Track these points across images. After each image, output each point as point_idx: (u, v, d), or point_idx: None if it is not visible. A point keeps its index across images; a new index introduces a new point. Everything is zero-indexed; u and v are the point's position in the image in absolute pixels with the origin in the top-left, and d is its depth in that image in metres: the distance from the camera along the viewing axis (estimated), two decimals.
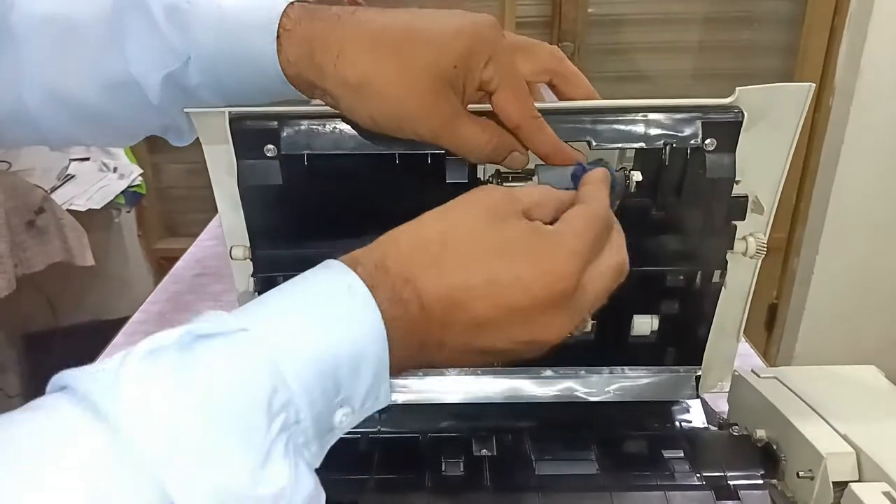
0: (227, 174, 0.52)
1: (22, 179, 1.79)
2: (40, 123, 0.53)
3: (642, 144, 0.51)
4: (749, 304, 0.60)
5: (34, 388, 0.32)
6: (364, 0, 0.76)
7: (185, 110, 0.50)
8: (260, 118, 0.50)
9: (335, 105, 0.47)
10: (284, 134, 0.50)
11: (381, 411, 0.38)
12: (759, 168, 0.53)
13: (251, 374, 0.31)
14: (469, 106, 0.47)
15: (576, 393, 0.63)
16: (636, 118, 0.51)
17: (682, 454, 0.56)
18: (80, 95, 0.51)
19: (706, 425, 0.61)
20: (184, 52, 0.48)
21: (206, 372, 0.31)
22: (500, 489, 0.53)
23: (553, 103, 0.53)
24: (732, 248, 0.56)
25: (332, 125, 0.50)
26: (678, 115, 0.51)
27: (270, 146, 0.50)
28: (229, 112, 0.49)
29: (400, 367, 0.37)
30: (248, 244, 0.54)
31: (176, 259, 1.16)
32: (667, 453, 0.56)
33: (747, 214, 0.55)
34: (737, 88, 0.50)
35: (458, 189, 0.42)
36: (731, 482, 0.53)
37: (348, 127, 0.49)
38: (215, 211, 0.55)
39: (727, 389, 0.63)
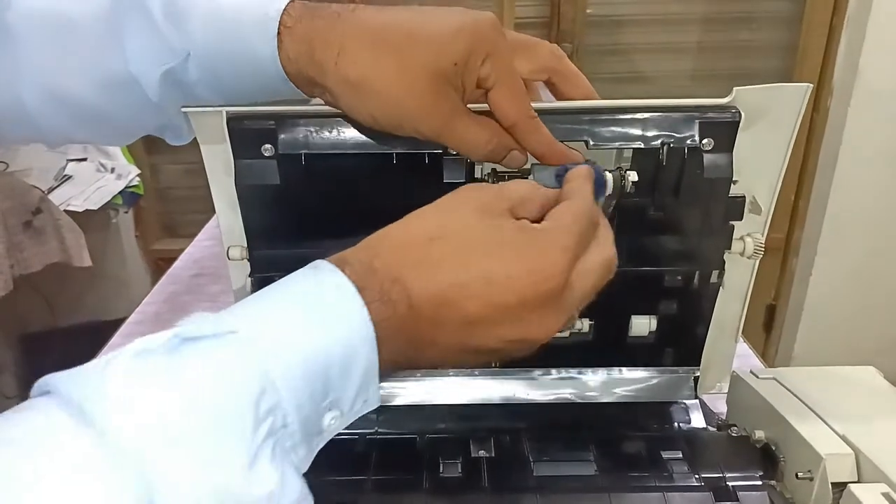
0: (224, 174, 0.52)
1: (19, 180, 1.79)
2: (38, 122, 0.53)
3: (640, 144, 0.51)
4: (747, 305, 0.60)
5: (32, 389, 0.32)
6: None
7: (183, 109, 0.50)
8: (257, 118, 0.50)
9: (335, 103, 0.47)
10: (282, 134, 0.50)
11: (378, 412, 0.38)
12: (757, 168, 0.53)
13: (238, 377, 0.31)
14: (470, 105, 0.47)
15: (574, 394, 0.63)
16: (633, 118, 0.50)
17: (681, 455, 0.56)
18: (78, 94, 0.51)
19: (705, 426, 0.61)
20: (182, 49, 0.48)
21: (193, 375, 0.31)
22: (499, 490, 0.53)
23: (550, 103, 0.53)
24: (730, 249, 0.56)
25: (330, 125, 0.50)
26: (675, 115, 0.51)
27: (268, 146, 0.50)
28: (227, 112, 0.49)
29: (390, 367, 0.37)
30: (246, 244, 0.54)
31: (174, 259, 1.15)
32: (665, 454, 0.56)
33: (745, 215, 0.55)
34: (734, 88, 0.50)
35: (455, 188, 0.42)
36: (729, 483, 0.53)
37: (346, 127, 0.49)
38: (213, 211, 0.55)
39: (726, 390, 0.63)
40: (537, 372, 0.63)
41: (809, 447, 0.50)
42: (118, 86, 0.50)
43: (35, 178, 1.90)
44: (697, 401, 0.63)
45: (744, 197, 0.54)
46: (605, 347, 0.62)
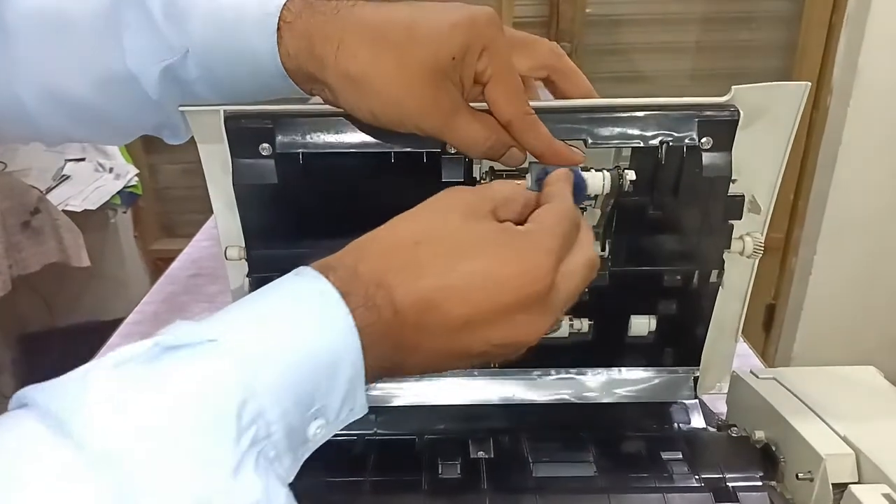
0: (222, 173, 0.52)
1: (17, 180, 1.78)
2: (37, 120, 0.53)
3: (639, 143, 0.50)
4: (747, 304, 0.60)
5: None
6: None
7: (181, 108, 0.50)
8: (255, 117, 0.50)
9: (334, 100, 0.47)
10: (280, 133, 0.49)
11: (377, 413, 0.37)
12: (756, 167, 0.53)
13: (220, 386, 0.31)
14: (472, 104, 0.47)
15: (573, 394, 0.62)
16: (632, 117, 0.50)
17: (681, 456, 0.56)
18: (77, 91, 0.51)
19: (705, 426, 0.61)
20: (181, 46, 0.48)
21: (174, 384, 0.30)
22: (498, 491, 0.53)
23: (549, 102, 0.52)
24: (729, 248, 0.56)
25: (328, 124, 0.49)
26: (674, 114, 0.50)
27: (266, 145, 0.50)
28: (224, 111, 0.49)
29: (375, 374, 0.36)
30: (244, 244, 0.54)
31: (172, 259, 1.15)
32: (665, 455, 0.56)
33: (744, 214, 0.54)
34: (733, 87, 0.50)
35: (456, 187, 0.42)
36: (729, 484, 0.53)
37: (344, 126, 0.49)
38: (211, 211, 0.54)
39: (726, 390, 0.63)
40: (537, 372, 0.62)
41: (810, 448, 0.50)
42: (116, 83, 0.50)
43: (33, 178, 1.89)
44: (697, 401, 0.62)
45: (743, 196, 0.54)
46: (605, 347, 0.61)
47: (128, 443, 0.28)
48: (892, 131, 1.81)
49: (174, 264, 1.13)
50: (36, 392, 0.30)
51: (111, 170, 2.06)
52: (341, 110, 0.48)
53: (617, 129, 0.50)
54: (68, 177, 1.98)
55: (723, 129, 0.50)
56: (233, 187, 0.51)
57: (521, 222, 0.41)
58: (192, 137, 0.52)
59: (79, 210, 1.89)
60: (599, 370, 0.63)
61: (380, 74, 0.44)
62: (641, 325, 0.60)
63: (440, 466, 0.55)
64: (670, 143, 0.50)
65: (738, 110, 0.50)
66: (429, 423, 0.60)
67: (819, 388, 0.56)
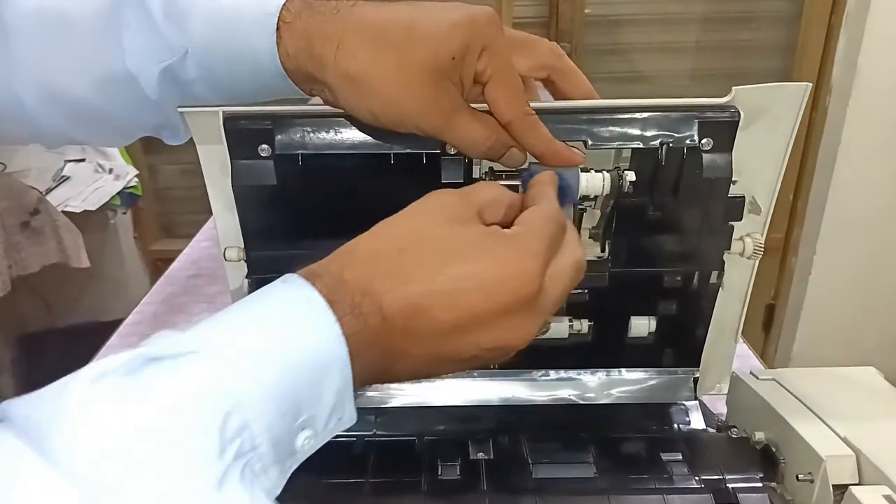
0: (221, 174, 0.52)
1: (17, 180, 1.78)
2: (36, 120, 0.52)
3: (639, 144, 0.50)
4: (747, 305, 0.60)
5: (29, 389, 0.31)
6: None
7: (180, 109, 0.50)
8: (254, 118, 0.50)
9: (334, 100, 0.47)
10: (279, 134, 0.49)
11: (376, 414, 0.37)
12: (756, 168, 0.53)
13: (202, 398, 0.30)
14: (474, 106, 0.47)
15: (573, 395, 0.62)
16: (632, 118, 0.50)
17: (681, 457, 0.56)
18: (76, 91, 0.50)
19: (705, 427, 0.61)
20: (181, 46, 0.48)
21: (155, 398, 0.30)
22: (497, 492, 0.53)
23: (549, 102, 0.52)
24: (729, 249, 0.56)
25: (328, 125, 0.49)
26: (674, 115, 0.50)
27: (265, 146, 0.49)
28: (223, 111, 0.49)
29: (364, 381, 0.36)
30: (243, 245, 0.54)
31: (172, 260, 1.15)
32: (665, 456, 0.56)
33: (744, 215, 0.54)
34: (733, 88, 0.50)
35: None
36: (729, 485, 0.53)
37: (343, 127, 0.49)
38: (211, 212, 0.54)
39: (726, 391, 0.63)
40: (536, 373, 0.62)
41: (810, 449, 0.50)
42: (116, 83, 0.50)
43: (33, 178, 1.89)
44: (697, 402, 0.62)
45: (743, 197, 0.54)
46: (605, 348, 0.61)
47: (106, 459, 0.28)
48: (891, 131, 1.81)
49: (174, 265, 1.13)
50: (13, 407, 0.29)
51: (111, 170, 2.06)
52: (341, 111, 0.48)
53: (617, 130, 0.50)
54: (68, 177, 1.98)
55: (723, 130, 0.50)
56: (232, 188, 0.51)
57: (506, 224, 0.41)
58: (192, 138, 0.52)
59: (78, 211, 1.89)
60: (599, 371, 0.63)
61: (379, 74, 0.44)
62: (641, 325, 0.60)
63: (440, 467, 0.55)
64: (670, 144, 0.50)
65: (738, 111, 0.50)
66: (428, 424, 0.60)
67: (819, 389, 0.56)
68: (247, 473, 0.30)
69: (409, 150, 0.49)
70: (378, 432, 0.59)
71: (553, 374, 0.63)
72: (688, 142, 0.50)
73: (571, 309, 0.59)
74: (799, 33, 2.02)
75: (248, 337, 0.33)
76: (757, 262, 0.57)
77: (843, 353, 2.02)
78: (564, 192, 0.47)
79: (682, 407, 0.62)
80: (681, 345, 0.61)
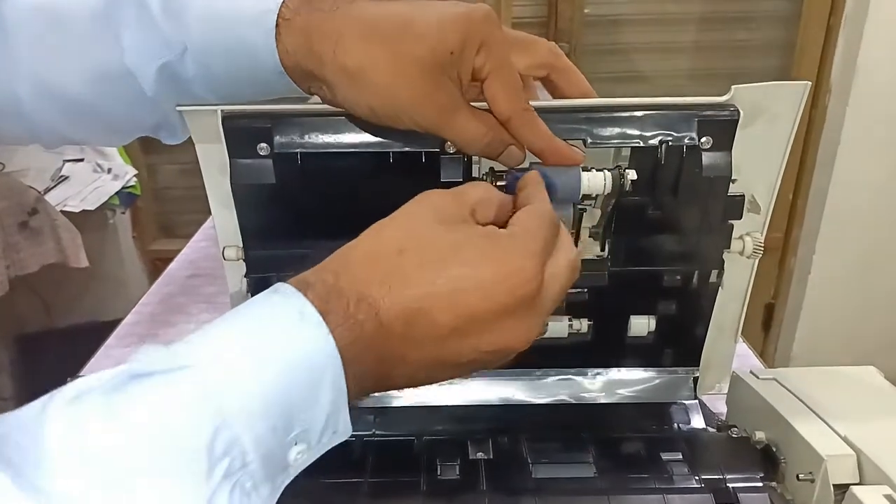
0: (219, 173, 0.51)
1: (15, 180, 1.78)
2: (33, 118, 0.52)
3: (638, 143, 0.50)
4: (747, 305, 0.60)
5: (28, 389, 0.31)
6: None
7: (178, 108, 0.49)
8: (253, 117, 0.49)
9: (332, 97, 0.46)
10: (278, 133, 0.49)
11: (375, 414, 0.37)
12: (756, 167, 0.53)
13: (189, 416, 0.29)
14: (474, 104, 0.47)
15: (572, 395, 0.62)
16: (632, 116, 0.50)
17: (681, 456, 0.56)
18: (73, 88, 0.50)
19: (705, 427, 0.61)
20: (179, 43, 0.48)
21: (140, 415, 0.29)
22: (497, 492, 0.53)
23: (548, 101, 0.52)
24: (729, 248, 0.56)
25: (327, 124, 0.49)
26: (674, 114, 0.50)
27: (263, 145, 0.49)
28: (222, 110, 0.49)
29: (360, 391, 0.35)
30: (241, 244, 0.54)
31: (171, 260, 1.15)
32: (665, 455, 0.56)
33: (744, 214, 0.54)
34: (732, 86, 0.50)
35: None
36: (730, 485, 0.53)
37: (343, 126, 0.49)
38: (210, 212, 0.54)
39: (726, 391, 0.63)
40: (536, 373, 0.62)
41: (811, 448, 0.50)
42: (113, 81, 0.50)
43: (31, 178, 1.89)
44: (697, 401, 0.62)
45: (743, 196, 0.54)
46: (604, 348, 0.61)
47: (87, 485, 0.27)
48: (891, 130, 1.81)
49: (172, 265, 1.13)
50: None
51: (109, 170, 2.06)
52: (340, 110, 0.48)
53: (616, 129, 0.50)
54: (66, 177, 1.98)
55: (723, 128, 0.50)
56: (230, 187, 0.51)
57: (498, 224, 0.41)
58: (191, 138, 0.52)
59: (77, 210, 1.89)
60: (599, 370, 0.63)
61: (377, 68, 0.44)
62: (641, 325, 0.60)
63: (439, 467, 0.54)
64: (670, 143, 0.50)
65: (737, 110, 0.50)
66: (427, 423, 0.60)
67: (819, 389, 0.56)
68: (237, 493, 0.30)
69: (408, 149, 0.49)
70: (377, 432, 0.59)
71: (552, 373, 0.62)
72: (687, 140, 0.50)
73: (571, 308, 0.59)
74: (798, 33, 2.02)
75: (237, 352, 0.32)
76: (757, 261, 0.57)
77: (843, 352, 2.02)
78: (553, 194, 0.47)
79: (682, 406, 0.62)
80: (680, 344, 0.61)
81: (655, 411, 0.62)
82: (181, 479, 0.29)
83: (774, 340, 2.19)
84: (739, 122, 0.50)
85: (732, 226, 0.55)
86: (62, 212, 1.82)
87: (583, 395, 0.62)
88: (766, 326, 2.24)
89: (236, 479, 0.30)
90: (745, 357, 0.83)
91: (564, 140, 0.48)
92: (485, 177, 0.52)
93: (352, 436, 0.34)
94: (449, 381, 0.61)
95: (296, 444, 0.33)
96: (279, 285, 0.35)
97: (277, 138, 0.49)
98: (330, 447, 0.35)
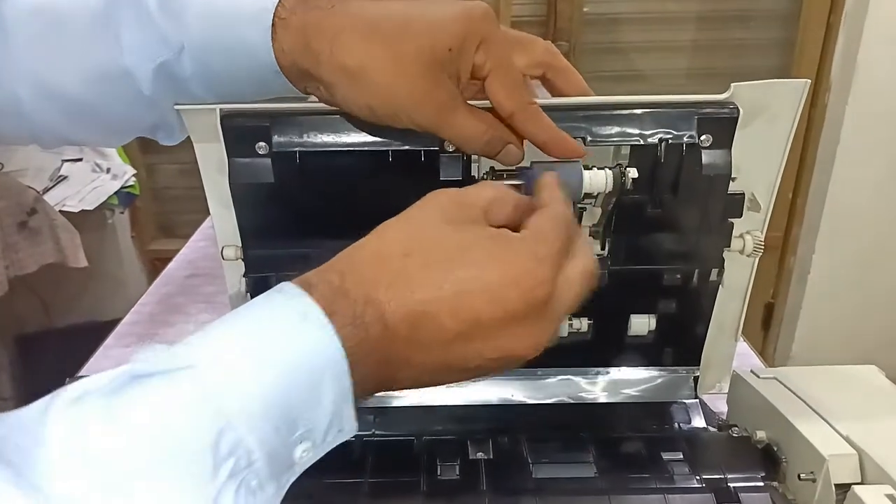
0: (218, 172, 0.51)
1: (14, 180, 1.78)
2: (32, 118, 0.52)
3: (638, 141, 0.50)
4: (747, 303, 0.59)
5: (27, 390, 0.31)
6: None
7: (176, 107, 0.49)
8: (251, 115, 0.49)
9: (330, 96, 0.46)
10: (276, 131, 0.49)
11: (375, 414, 0.36)
12: (756, 165, 0.53)
13: (193, 416, 0.29)
14: (471, 102, 0.46)
15: (572, 394, 0.62)
16: (631, 114, 0.50)
17: (682, 456, 0.55)
18: (71, 88, 0.50)
19: (705, 426, 0.61)
20: (177, 42, 0.47)
21: (141, 417, 0.29)
22: (497, 492, 0.52)
23: (547, 99, 0.52)
24: (729, 247, 0.55)
25: (325, 122, 0.49)
26: (674, 112, 0.50)
27: (262, 144, 0.49)
28: (220, 109, 0.49)
29: (364, 391, 0.35)
30: (240, 244, 0.54)
31: (170, 260, 1.15)
32: (666, 455, 0.56)
33: (744, 212, 0.54)
34: (732, 84, 0.50)
35: (453, 187, 0.41)
36: (731, 484, 0.53)
37: (341, 124, 0.49)
38: (209, 212, 0.54)
39: (726, 390, 0.63)
40: (536, 373, 0.62)
41: (812, 448, 0.50)
42: (112, 80, 0.49)
43: (30, 178, 1.89)
44: (697, 401, 0.62)
45: (743, 194, 0.53)
46: (604, 347, 0.61)
47: (88, 487, 0.27)
48: (890, 129, 1.81)
49: (171, 265, 1.13)
50: None
51: (108, 170, 2.06)
52: (339, 109, 0.48)
53: (616, 127, 0.50)
54: (65, 177, 1.98)
55: (722, 126, 0.50)
56: (229, 186, 0.51)
57: (514, 227, 0.39)
58: (189, 137, 0.52)
59: (76, 210, 1.89)
60: (599, 370, 0.62)
61: (375, 66, 0.43)
62: (641, 324, 0.60)
63: (439, 467, 0.54)
64: (669, 141, 0.50)
65: (737, 108, 0.50)
66: (427, 423, 0.60)
67: (820, 388, 0.56)
68: (241, 492, 0.30)
69: (407, 148, 0.49)
70: (377, 432, 0.59)
71: (552, 373, 0.62)
72: (687, 138, 0.50)
73: None
74: (797, 31, 2.02)
75: (240, 352, 0.32)
76: (757, 259, 0.57)
77: (843, 350, 2.02)
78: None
79: (683, 406, 0.62)
80: (681, 343, 0.61)
81: (656, 411, 0.62)
82: (183, 481, 0.28)
83: (774, 339, 2.19)
84: (739, 120, 0.50)
85: (732, 224, 0.54)
86: (61, 212, 1.82)
87: (583, 394, 0.62)
88: (765, 325, 2.24)
89: (242, 477, 0.30)
90: (745, 356, 0.83)
91: None
92: (485, 176, 0.52)
93: (352, 436, 0.34)
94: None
95: (300, 442, 0.33)
96: (283, 285, 0.35)
97: (276, 137, 0.49)
98: (335, 445, 0.35)
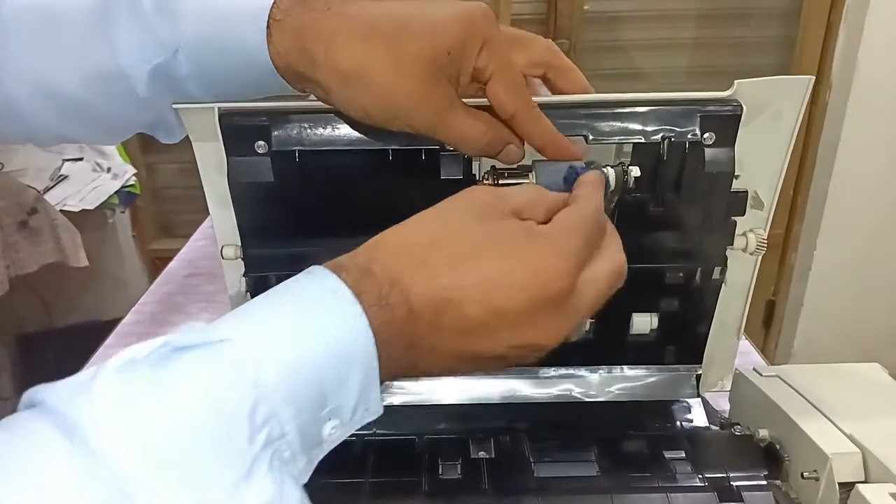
0: (217, 172, 0.51)
1: (14, 180, 1.77)
2: (28, 117, 0.52)
3: (640, 139, 0.50)
4: (749, 302, 0.59)
5: (28, 389, 0.31)
6: None
7: (174, 106, 0.49)
8: (250, 114, 0.49)
9: (326, 97, 0.46)
10: (275, 130, 0.49)
11: None
12: (759, 163, 0.53)
13: (231, 387, 0.30)
14: (467, 100, 0.46)
15: (575, 393, 0.62)
16: (633, 112, 0.50)
17: (684, 455, 0.55)
18: (66, 88, 0.50)
19: (707, 425, 0.60)
20: (172, 44, 0.47)
21: (184, 386, 0.30)
22: (499, 492, 0.52)
23: (549, 97, 0.52)
24: (732, 245, 0.55)
25: (325, 121, 0.49)
26: (676, 109, 0.50)
27: (261, 142, 0.49)
28: (219, 108, 0.48)
29: (389, 373, 0.36)
30: (240, 243, 0.53)
31: (171, 259, 1.15)
32: (668, 454, 0.55)
33: (747, 210, 0.54)
34: (735, 81, 0.49)
35: (453, 186, 0.41)
36: (733, 483, 0.53)
37: (340, 123, 0.49)
38: (209, 211, 0.54)
39: (728, 388, 0.62)
40: (538, 371, 0.62)
41: (815, 446, 0.49)
42: (107, 81, 0.49)
43: (31, 177, 1.89)
44: (700, 399, 0.62)
45: (746, 192, 0.53)
46: (606, 345, 0.61)
47: (137, 451, 0.28)
48: (891, 126, 1.80)
49: (171, 264, 1.13)
50: (48, 393, 0.30)
51: (109, 169, 2.06)
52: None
53: (618, 125, 0.50)
54: (66, 177, 1.98)
55: (725, 123, 0.50)
56: (228, 186, 0.50)
57: (546, 223, 0.40)
58: (188, 137, 0.52)
59: (76, 210, 1.89)
60: (601, 368, 0.62)
61: (372, 68, 0.43)
62: (643, 322, 0.59)
63: (440, 467, 0.54)
64: (672, 139, 0.50)
65: (740, 105, 0.50)
66: (429, 422, 0.60)
67: (823, 386, 0.55)
68: (275, 461, 0.31)
69: (407, 147, 0.49)
70: (378, 431, 0.58)
71: (554, 371, 0.62)
72: (690, 136, 0.50)
73: None
74: (798, 29, 2.02)
75: (274, 327, 0.33)
76: (759, 258, 0.56)
77: (844, 348, 2.02)
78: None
79: (685, 404, 0.62)
80: (683, 341, 0.61)
81: (658, 409, 0.62)
82: (221, 448, 0.29)
83: (775, 337, 2.19)
84: (742, 117, 0.50)
85: (735, 222, 0.54)
86: (61, 211, 1.82)
87: (585, 392, 0.62)
88: (766, 323, 2.24)
89: (275, 447, 0.31)
90: (747, 354, 0.82)
91: (566, 136, 0.48)
92: (486, 175, 0.52)
93: (352, 435, 0.34)
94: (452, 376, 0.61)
95: (329, 419, 0.34)
96: (313, 268, 0.36)
97: (275, 136, 0.49)
98: (362, 423, 0.36)
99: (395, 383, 0.61)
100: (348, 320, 0.34)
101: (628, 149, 0.54)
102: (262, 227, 0.53)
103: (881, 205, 1.88)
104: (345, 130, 0.49)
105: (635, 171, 0.49)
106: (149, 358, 0.30)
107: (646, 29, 2.10)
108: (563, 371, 0.62)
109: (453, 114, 0.45)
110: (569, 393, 0.62)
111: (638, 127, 0.50)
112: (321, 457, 0.35)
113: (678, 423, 0.61)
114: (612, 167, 0.48)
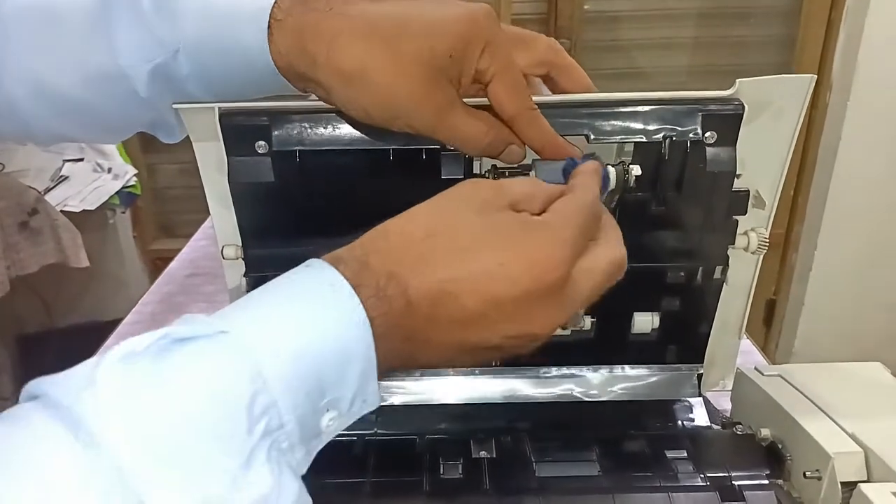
0: (217, 172, 0.51)
1: (15, 180, 1.78)
2: (27, 117, 0.52)
3: (641, 138, 0.50)
4: (751, 301, 0.59)
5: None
6: None
7: (175, 106, 0.49)
8: (251, 114, 0.49)
9: (327, 97, 0.46)
10: (276, 130, 0.49)
11: (376, 413, 0.37)
12: (760, 162, 0.53)
13: (230, 378, 0.31)
14: (467, 100, 0.46)
15: (576, 392, 0.62)
16: (635, 111, 0.50)
17: (686, 454, 0.55)
18: (65, 88, 0.50)
19: (709, 424, 0.60)
20: (172, 44, 0.47)
21: (183, 377, 0.30)
22: (500, 492, 0.52)
23: (551, 96, 0.52)
24: (734, 244, 0.55)
25: (325, 121, 0.49)
26: (678, 108, 0.50)
27: (262, 142, 0.49)
28: (219, 108, 0.48)
29: (387, 365, 0.36)
30: (240, 243, 0.53)
31: (171, 259, 1.15)
32: (669, 453, 0.55)
33: (748, 209, 0.54)
34: (737, 80, 0.49)
35: (454, 185, 0.41)
36: (735, 482, 0.52)
37: (341, 122, 0.48)
38: (209, 211, 0.54)
39: (730, 387, 0.62)
40: (539, 370, 0.62)
41: (817, 445, 0.49)
42: (106, 80, 0.49)
43: (31, 178, 1.89)
44: (701, 398, 0.62)
45: (747, 191, 0.53)
46: (608, 345, 0.61)
47: (138, 441, 0.28)
48: (892, 126, 1.80)
49: (172, 264, 1.13)
50: (48, 385, 0.30)
51: (109, 170, 2.06)
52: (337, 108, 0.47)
53: (619, 124, 0.49)
54: (66, 177, 1.98)
55: (727, 123, 0.50)
56: (229, 186, 0.50)
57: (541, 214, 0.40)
58: (189, 136, 0.52)
59: (77, 210, 1.89)
60: (602, 367, 0.62)
61: (374, 65, 0.43)
62: (644, 322, 0.59)
63: (442, 467, 0.54)
64: (674, 138, 0.49)
65: (742, 104, 0.49)
66: (430, 422, 0.60)
67: (825, 385, 0.55)
68: (273, 452, 0.31)
69: (408, 146, 0.48)
70: (379, 431, 0.59)
71: (555, 371, 0.62)
72: (691, 135, 0.49)
73: None
74: (798, 28, 2.02)
75: (273, 320, 0.33)
76: (761, 257, 0.56)
77: (845, 348, 2.02)
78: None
79: (687, 404, 0.62)
80: (684, 341, 0.61)
81: (659, 408, 0.62)
82: (221, 438, 0.30)
83: (776, 337, 2.19)
84: (744, 116, 0.49)
85: (737, 221, 0.54)
86: (62, 212, 1.82)
87: (586, 392, 0.62)
88: (767, 323, 2.23)
89: (273, 437, 0.31)
90: (748, 353, 0.82)
91: (567, 135, 0.48)
92: (486, 174, 0.52)
93: (353, 435, 0.35)
94: (451, 375, 0.61)
95: (327, 410, 0.34)
96: (311, 261, 0.36)
97: (276, 136, 0.49)
98: (360, 415, 0.36)
99: (396, 383, 0.61)
100: (346, 312, 0.34)
101: (629, 148, 0.54)
102: (263, 227, 0.53)
103: (881, 205, 1.88)
104: (345, 130, 0.49)
105: (636, 171, 0.49)
106: (149, 350, 0.30)
107: (646, 28, 2.10)
108: (564, 371, 0.62)
109: (454, 114, 0.45)
110: (570, 392, 0.62)
111: (639, 126, 0.50)
112: (319, 448, 0.35)
113: (680, 422, 0.61)
114: (613, 166, 0.48)
